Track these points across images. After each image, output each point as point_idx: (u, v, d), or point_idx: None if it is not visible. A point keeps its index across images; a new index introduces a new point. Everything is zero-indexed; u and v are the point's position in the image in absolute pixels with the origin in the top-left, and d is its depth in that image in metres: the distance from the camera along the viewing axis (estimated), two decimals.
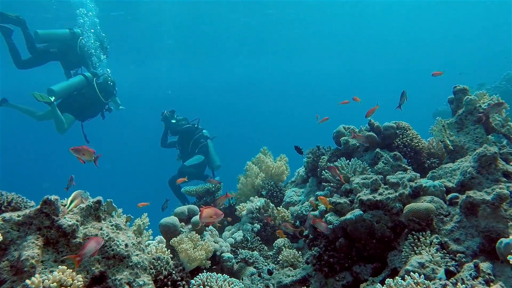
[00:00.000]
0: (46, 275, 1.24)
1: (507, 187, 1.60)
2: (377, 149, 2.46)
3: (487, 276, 1.22)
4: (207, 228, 2.29)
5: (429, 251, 1.50)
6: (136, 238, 1.65)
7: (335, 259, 1.83)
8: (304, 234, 2.23)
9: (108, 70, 5.26)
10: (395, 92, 2.45)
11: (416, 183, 1.82)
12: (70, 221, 1.43)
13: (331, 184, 2.36)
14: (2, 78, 12.07)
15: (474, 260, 1.34)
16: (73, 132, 4.71)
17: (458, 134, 2.30)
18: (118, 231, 1.57)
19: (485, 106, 2.27)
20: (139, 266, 1.54)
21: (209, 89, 23.53)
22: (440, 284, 1.24)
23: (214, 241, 2.19)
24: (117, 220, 1.63)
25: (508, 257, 1.21)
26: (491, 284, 1.23)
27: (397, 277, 1.32)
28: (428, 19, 14.40)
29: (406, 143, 2.52)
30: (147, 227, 2.08)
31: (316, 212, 2.10)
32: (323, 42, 15.43)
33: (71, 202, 1.51)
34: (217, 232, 2.34)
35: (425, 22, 14.65)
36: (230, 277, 1.86)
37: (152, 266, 1.66)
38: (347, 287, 1.77)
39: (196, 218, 2.25)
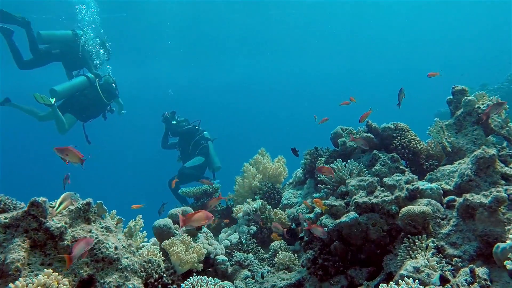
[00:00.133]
0: (31, 278, 1.21)
1: (505, 190, 1.57)
2: (375, 151, 2.43)
3: (483, 281, 1.19)
4: (201, 230, 2.26)
5: (425, 255, 1.47)
6: (127, 240, 1.62)
7: (330, 263, 1.80)
8: (300, 236, 2.19)
9: (108, 66, 5.26)
10: (395, 93, 2.41)
11: (412, 185, 1.79)
12: (58, 223, 1.40)
13: (327, 186, 2.32)
14: (3, 78, 12.08)
15: (470, 265, 1.30)
16: (75, 133, 4.70)
17: (457, 136, 2.26)
18: (108, 233, 1.54)
19: (484, 107, 2.23)
20: (129, 269, 1.52)
21: (210, 89, 23.52)
22: None
23: (208, 244, 2.16)
24: (108, 222, 1.60)
25: (505, 262, 1.18)
26: None
27: (391, 282, 1.29)
28: (429, 19, 14.36)
29: (404, 144, 2.49)
30: (141, 229, 2.06)
31: (311, 215, 2.06)
32: (323, 42, 15.40)
33: (60, 204, 1.48)
34: (211, 234, 2.31)
35: (426, 22, 14.61)
36: (223, 280, 1.83)
37: (143, 269, 1.63)
38: None
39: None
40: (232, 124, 25.04)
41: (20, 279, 1.17)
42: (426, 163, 2.44)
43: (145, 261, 1.66)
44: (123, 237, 1.61)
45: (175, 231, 2.19)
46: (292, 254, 2.23)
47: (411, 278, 1.30)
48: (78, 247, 1.29)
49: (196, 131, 4.95)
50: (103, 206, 1.62)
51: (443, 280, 1.25)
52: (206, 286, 1.47)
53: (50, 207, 1.48)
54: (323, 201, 1.97)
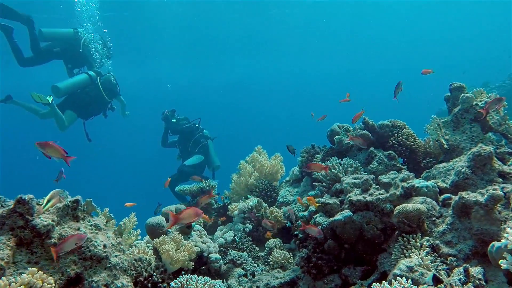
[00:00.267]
0: (15, 277, 1.18)
1: (502, 188, 1.54)
2: (371, 148, 2.40)
3: (477, 281, 1.16)
4: (194, 228, 2.24)
5: (419, 254, 1.44)
6: (117, 238, 1.59)
7: (324, 261, 1.77)
8: (294, 233, 2.16)
9: (109, 61, 5.25)
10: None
11: (408, 183, 1.75)
12: (45, 221, 1.38)
13: (323, 184, 2.29)
14: (3, 76, 12.07)
15: (464, 265, 1.27)
16: (75, 131, 4.69)
17: (454, 133, 2.23)
18: (97, 231, 1.52)
19: (481, 104, 2.20)
20: (118, 267, 1.49)
21: (210, 89, 23.51)
22: None
23: (202, 242, 2.13)
24: (97, 220, 1.57)
25: (499, 262, 1.15)
26: None
27: (384, 282, 1.26)
28: (430, 19, 14.29)
29: (401, 142, 2.46)
30: (134, 227, 2.03)
31: (306, 213, 2.03)
32: (323, 42, 15.35)
33: (48, 201, 1.46)
34: (205, 232, 2.29)
35: (426, 22, 14.54)
36: (217, 279, 1.80)
37: (132, 268, 1.60)
38: None
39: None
40: (232, 124, 25.02)
41: (3, 278, 1.15)
42: (424, 161, 2.41)
43: (135, 260, 1.63)
44: (112, 235, 1.59)
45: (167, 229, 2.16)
46: (287, 253, 2.20)
47: (404, 277, 1.27)
48: (68, 242, 1.27)
49: (196, 129, 4.94)
50: (93, 203, 1.60)
51: (436, 280, 1.21)
52: (196, 285, 1.44)
53: (38, 204, 1.45)
54: (316, 199, 1.94)
